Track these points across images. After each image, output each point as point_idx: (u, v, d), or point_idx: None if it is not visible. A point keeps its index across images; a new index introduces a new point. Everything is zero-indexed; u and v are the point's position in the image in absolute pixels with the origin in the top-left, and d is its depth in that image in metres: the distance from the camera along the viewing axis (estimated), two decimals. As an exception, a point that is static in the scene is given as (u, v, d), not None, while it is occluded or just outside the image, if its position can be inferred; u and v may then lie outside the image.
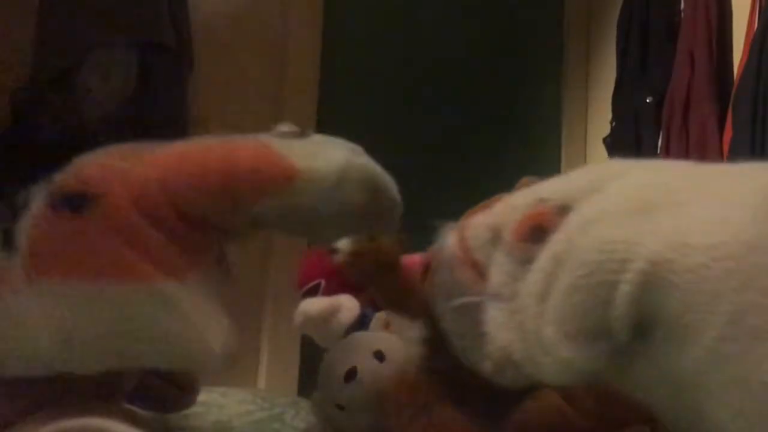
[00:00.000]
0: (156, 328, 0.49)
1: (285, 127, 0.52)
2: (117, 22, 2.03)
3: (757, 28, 2.17)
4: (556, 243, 0.41)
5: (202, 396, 0.68)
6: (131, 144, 0.53)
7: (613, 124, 2.66)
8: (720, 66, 2.37)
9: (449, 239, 0.47)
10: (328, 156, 0.51)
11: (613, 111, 2.67)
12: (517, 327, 0.42)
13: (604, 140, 2.70)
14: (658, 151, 2.45)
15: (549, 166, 2.91)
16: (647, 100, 2.51)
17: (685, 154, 2.33)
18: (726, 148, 2.21)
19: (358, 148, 0.54)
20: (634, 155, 2.52)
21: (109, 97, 1.96)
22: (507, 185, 1.09)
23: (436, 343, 0.48)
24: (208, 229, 0.51)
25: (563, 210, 0.42)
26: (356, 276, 0.51)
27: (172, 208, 0.49)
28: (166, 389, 0.63)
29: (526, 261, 0.42)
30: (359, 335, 0.90)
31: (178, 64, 2.17)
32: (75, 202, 0.50)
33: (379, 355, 0.83)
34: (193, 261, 0.50)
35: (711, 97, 2.33)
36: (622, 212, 0.39)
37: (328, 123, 2.59)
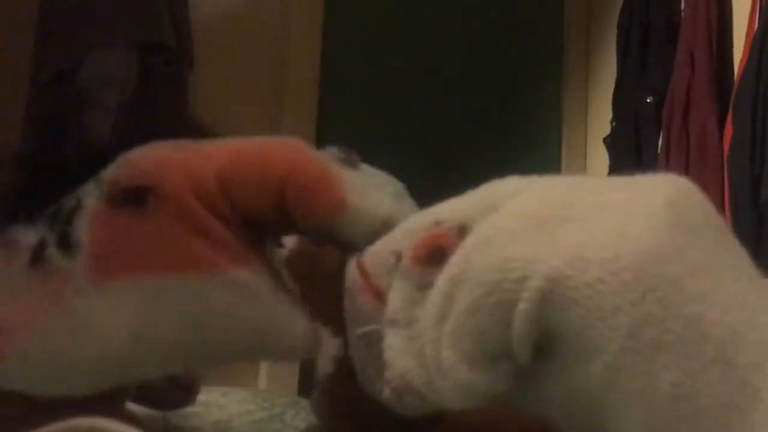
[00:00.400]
0: (235, 317, 0.48)
1: (336, 151, 0.51)
2: (117, 23, 2.03)
3: (757, 28, 2.17)
4: (453, 264, 0.40)
5: (203, 396, 0.68)
6: (180, 141, 0.52)
7: (614, 124, 2.66)
8: (720, 66, 2.37)
9: (352, 266, 0.46)
10: (377, 199, 0.50)
11: (613, 111, 2.67)
12: (416, 353, 0.41)
13: (605, 140, 2.70)
14: (659, 151, 2.45)
15: (549, 166, 2.92)
16: (647, 100, 2.51)
17: (685, 154, 2.33)
18: (726, 148, 2.21)
19: (402, 190, 0.53)
20: (635, 155, 2.53)
21: (109, 97, 1.96)
22: (507, 185, 1.09)
23: (345, 368, 0.47)
24: (261, 228, 0.50)
25: (462, 231, 0.42)
26: (291, 276, 0.50)
27: (228, 202, 0.48)
28: (167, 387, 0.63)
29: (424, 285, 0.41)
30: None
31: (178, 64, 2.17)
32: (134, 197, 0.48)
33: None
34: (255, 252, 0.49)
35: (711, 97, 2.33)
36: (519, 229, 0.39)
37: (328, 123, 2.59)
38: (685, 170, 2.31)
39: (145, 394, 0.60)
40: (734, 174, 2.14)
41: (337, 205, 0.48)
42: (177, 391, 0.63)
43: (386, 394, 0.42)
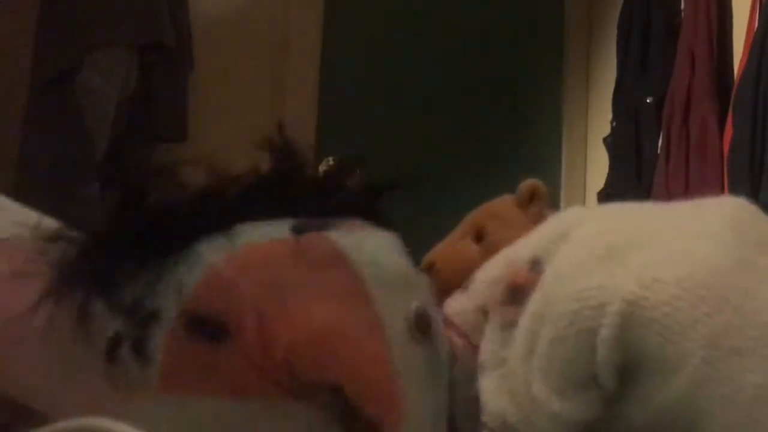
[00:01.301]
0: None
1: (412, 318, 0.50)
2: (117, 23, 2.03)
3: (757, 28, 2.17)
4: (534, 302, 0.41)
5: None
6: (282, 264, 0.53)
7: (614, 124, 2.66)
8: (720, 66, 2.37)
9: (443, 334, 0.47)
10: (428, 402, 0.48)
11: (614, 111, 2.67)
12: (509, 391, 0.42)
13: (605, 140, 2.70)
14: (659, 151, 2.45)
15: (549, 166, 2.91)
16: (647, 100, 2.51)
17: (685, 154, 2.33)
18: (726, 148, 2.21)
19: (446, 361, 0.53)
20: (635, 155, 2.52)
21: (110, 97, 1.96)
22: (507, 186, 1.09)
23: None
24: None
25: (534, 264, 0.43)
26: None
27: (288, 374, 0.50)
28: None
29: (508, 325, 0.43)
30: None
31: (178, 64, 2.17)
32: (211, 331, 0.50)
33: None
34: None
35: (711, 97, 2.33)
36: (590, 259, 0.40)
37: (328, 123, 2.59)
38: (685, 170, 2.31)
39: None
40: (734, 174, 2.14)
41: (390, 418, 0.49)
42: None
43: None
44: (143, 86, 2.04)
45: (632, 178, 2.51)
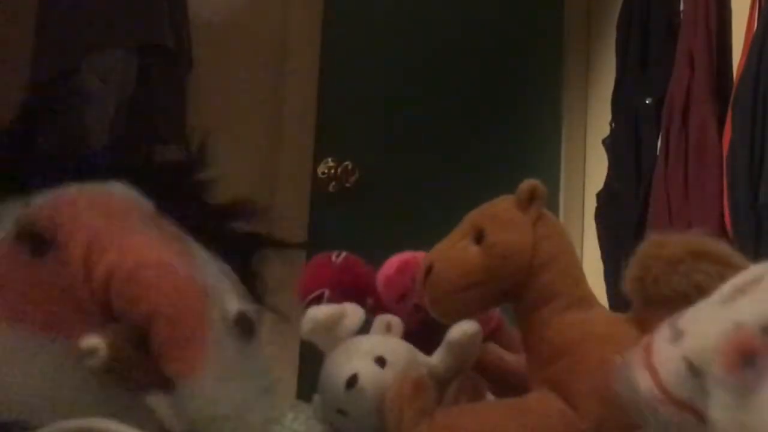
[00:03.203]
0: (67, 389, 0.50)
1: (241, 314, 0.54)
2: (116, 23, 2.03)
3: (757, 29, 2.17)
4: None
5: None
6: (119, 198, 0.55)
7: (613, 125, 2.66)
8: (720, 66, 2.37)
9: (638, 378, 0.48)
10: (227, 393, 0.54)
11: (613, 111, 2.67)
12: None
13: (604, 141, 2.69)
14: (658, 152, 2.45)
15: (549, 167, 2.91)
16: (647, 101, 2.51)
17: (685, 155, 2.33)
18: (726, 148, 2.21)
19: (270, 386, 0.60)
20: (634, 157, 2.52)
21: (108, 99, 1.96)
22: (507, 186, 1.08)
23: None
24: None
25: (765, 331, 0.44)
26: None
27: (103, 295, 0.51)
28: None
29: (744, 390, 0.44)
30: (360, 339, 0.89)
31: (176, 64, 2.17)
32: (38, 245, 0.51)
33: (381, 361, 0.83)
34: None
35: (711, 98, 2.32)
36: None
37: (327, 124, 2.59)
38: (685, 171, 2.31)
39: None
40: (733, 175, 2.14)
41: (185, 373, 0.50)
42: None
43: None
44: (142, 87, 2.04)
45: (631, 179, 2.51)
